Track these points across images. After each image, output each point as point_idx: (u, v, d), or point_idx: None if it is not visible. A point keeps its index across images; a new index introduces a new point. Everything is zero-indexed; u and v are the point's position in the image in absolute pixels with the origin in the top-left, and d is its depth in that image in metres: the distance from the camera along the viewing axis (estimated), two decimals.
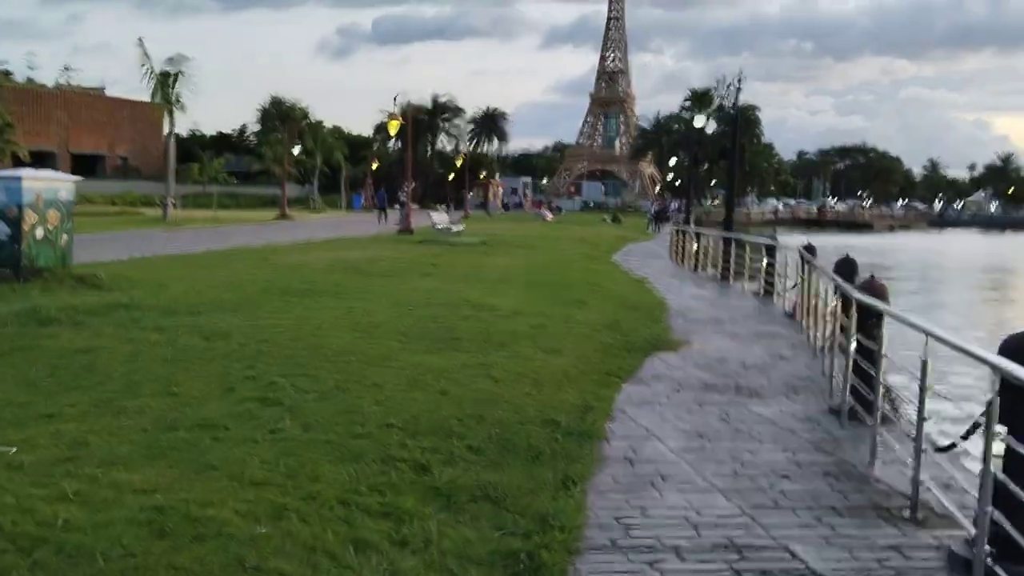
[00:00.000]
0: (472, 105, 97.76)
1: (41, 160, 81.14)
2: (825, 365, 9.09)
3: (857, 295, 7.05)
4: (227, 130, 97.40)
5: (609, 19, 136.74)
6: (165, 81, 33.27)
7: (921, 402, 4.94)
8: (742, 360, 9.81)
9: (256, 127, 74.99)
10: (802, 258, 13.31)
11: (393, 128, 30.81)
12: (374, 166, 66.62)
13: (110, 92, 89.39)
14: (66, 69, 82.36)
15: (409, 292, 12.64)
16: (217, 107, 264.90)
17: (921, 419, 4.93)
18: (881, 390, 6.25)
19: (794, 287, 13.94)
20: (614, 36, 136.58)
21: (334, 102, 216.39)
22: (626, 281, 18.42)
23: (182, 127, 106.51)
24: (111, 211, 43.12)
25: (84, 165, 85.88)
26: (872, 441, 5.90)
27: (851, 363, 6.99)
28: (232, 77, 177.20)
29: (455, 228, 26.51)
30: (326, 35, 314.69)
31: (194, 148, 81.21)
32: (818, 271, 12.18)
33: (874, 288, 7.36)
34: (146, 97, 59.11)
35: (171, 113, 34.19)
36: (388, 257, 19.14)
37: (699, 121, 21.44)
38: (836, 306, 9.67)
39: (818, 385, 8.56)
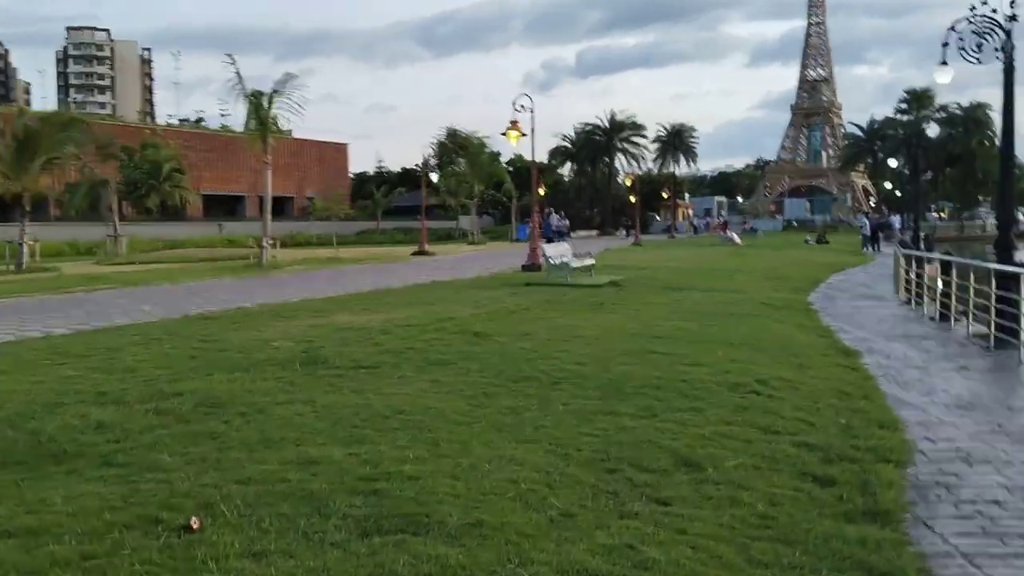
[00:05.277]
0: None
1: (234, 203, 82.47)
2: None
3: None
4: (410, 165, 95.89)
5: (809, 26, 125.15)
6: (258, 103, 27.77)
7: None
8: None
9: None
10: None
11: (512, 139, 24.01)
12: (541, 191, 60.50)
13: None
14: None
15: (313, 431, 5.67)
16: (421, 147, 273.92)
17: None
18: None
19: None
20: (815, 43, 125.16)
21: (536, 134, 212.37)
22: (819, 359, 10.34)
23: (368, 165, 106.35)
24: (243, 252, 39.08)
25: (273, 207, 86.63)
26: None
27: None
28: (441, 118, 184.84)
29: (575, 263, 19.24)
30: (531, 71, 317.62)
31: (372, 185, 79.67)
32: None
33: None
34: (331, 137, 57.63)
35: (264, 139, 28.32)
36: (434, 320, 12.16)
37: (942, 76, 13.31)
38: None
39: None
